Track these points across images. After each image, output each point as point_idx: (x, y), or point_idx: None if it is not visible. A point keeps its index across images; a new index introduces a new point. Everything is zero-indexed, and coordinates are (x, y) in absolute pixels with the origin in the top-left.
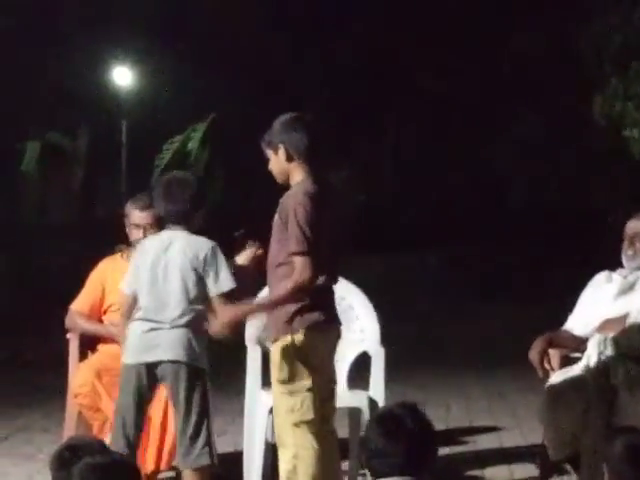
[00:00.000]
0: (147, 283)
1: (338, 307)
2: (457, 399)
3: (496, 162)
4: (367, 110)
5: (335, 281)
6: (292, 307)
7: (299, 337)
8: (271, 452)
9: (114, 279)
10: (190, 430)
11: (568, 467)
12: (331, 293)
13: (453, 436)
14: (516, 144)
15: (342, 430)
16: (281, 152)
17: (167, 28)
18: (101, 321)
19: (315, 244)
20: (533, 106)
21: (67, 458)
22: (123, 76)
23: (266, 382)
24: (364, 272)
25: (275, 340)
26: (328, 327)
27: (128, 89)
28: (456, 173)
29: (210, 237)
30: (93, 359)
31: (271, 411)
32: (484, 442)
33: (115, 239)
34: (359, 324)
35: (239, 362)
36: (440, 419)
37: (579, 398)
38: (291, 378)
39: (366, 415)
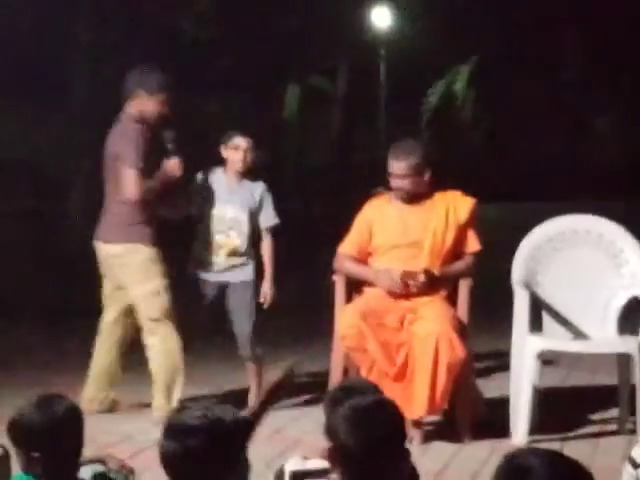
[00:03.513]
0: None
1: (606, 251)
2: None
3: None
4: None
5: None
6: None
7: None
8: (538, 397)
9: (381, 222)
10: None
11: None
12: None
13: None
14: None
15: (612, 377)
16: None
17: None
18: (367, 263)
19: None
20: None
21: (340, 399)
22: (382, 17)
23: (535, 326)
24: None
25: None
26: (96, 242)
27: (387, 30)
28: None
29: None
30: (359, 301)
31: (539, 356)
32: None
33: (371, 183)
34: (629, 268)
35: (507, 306)
36: None
37: None
38: None
39: (636, 361)
